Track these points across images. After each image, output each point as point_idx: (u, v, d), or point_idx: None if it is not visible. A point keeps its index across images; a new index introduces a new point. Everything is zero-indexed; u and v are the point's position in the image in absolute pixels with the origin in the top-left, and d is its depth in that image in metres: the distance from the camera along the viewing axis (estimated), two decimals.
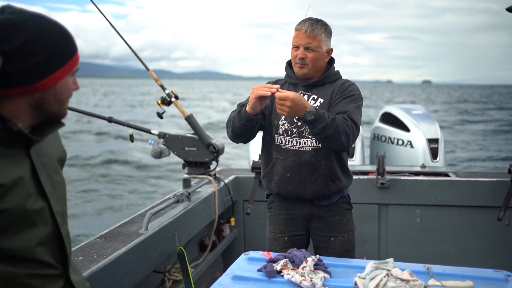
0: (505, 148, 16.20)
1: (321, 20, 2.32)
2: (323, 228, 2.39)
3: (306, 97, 2.34)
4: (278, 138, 2.34)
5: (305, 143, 2.30)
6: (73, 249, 2.21)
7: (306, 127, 2.25)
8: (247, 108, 2.18)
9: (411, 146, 4.86)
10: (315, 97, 2.34)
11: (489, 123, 24.65)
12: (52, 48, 1.13)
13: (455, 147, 16.08)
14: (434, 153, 4.73)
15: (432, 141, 4.77)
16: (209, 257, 3.45)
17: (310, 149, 2.29)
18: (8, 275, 1.12)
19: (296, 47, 2.31)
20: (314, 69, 2.33)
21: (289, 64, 2.44)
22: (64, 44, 1.16)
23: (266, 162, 2.42)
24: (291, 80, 2.41)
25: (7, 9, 1.11)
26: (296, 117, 2.22)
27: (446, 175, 3.95)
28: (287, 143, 2.32)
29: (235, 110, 2.37)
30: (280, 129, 2.33)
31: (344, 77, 2.43)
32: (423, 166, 4.32)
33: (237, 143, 2.44)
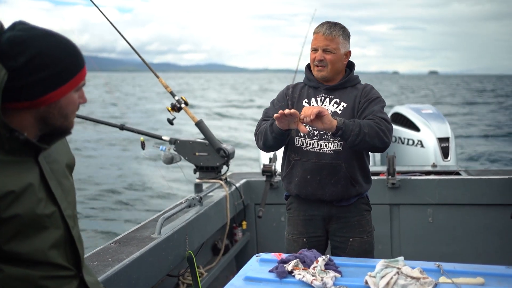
0: None
1: (339, 23, 2.37)
2: (342, 228, 2.39)
3: (328, 100, 2.35)
4: (298, 140, 2.35)
5: (326, 145, 2.30)
6: (88, 254, 2.26)
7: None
8: (278, 125, 2.17)
9: (422, 146, 4.84)
10: (338, 100, 2.34)
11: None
12: (56, 65, 1.16)
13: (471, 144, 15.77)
14: (445, 152, 4.71)
15: (443, 140, 4.75)
16: (222, 261, 3.48)
17: (331, 151, 2.30)
18: (23, 277, 1.16)
19: (314, 50, 2.34)
20: (333, 71, 2.34)
21: (308, 68, 2.45)
22: (69, 61, 1.19)
23: (286, 164, 2.43)
24: (312, 83, 2.41)
25: (18, 25, 1.15)
26: (330, 133, 2.22)
27: (457, 173, 3.94)
28: (308, 145, 2.33)
29: (263, 120, 2.38)
30: None
31: None
32: (434, 166, 4.30)
33: (268, 152, 2.45)
